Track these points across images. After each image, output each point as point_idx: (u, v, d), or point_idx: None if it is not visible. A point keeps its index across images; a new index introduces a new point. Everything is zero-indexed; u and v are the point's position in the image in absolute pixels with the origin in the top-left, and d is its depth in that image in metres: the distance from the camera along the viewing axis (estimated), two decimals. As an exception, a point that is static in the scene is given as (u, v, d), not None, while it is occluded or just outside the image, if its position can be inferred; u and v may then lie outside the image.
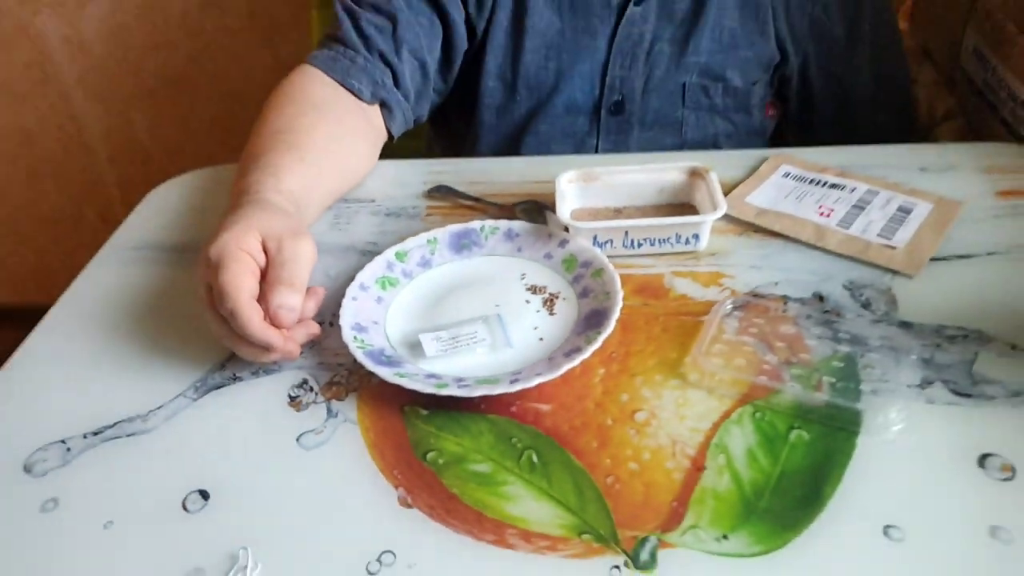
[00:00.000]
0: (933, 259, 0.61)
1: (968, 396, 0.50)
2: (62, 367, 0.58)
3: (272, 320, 0.51)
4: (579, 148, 0.82)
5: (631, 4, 0.75)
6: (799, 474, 0.46)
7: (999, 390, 0.50)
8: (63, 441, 0.52)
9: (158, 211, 0.76)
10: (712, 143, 0.82)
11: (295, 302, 0.52)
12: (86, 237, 1.78)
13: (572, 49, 0.77)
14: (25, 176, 1.69)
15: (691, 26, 0.77)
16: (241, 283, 0.51)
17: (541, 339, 0.56)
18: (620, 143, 0.81)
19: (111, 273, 0.67)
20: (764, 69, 0.81)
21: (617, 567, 0.42)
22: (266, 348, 0.52)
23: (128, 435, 0.53)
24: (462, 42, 0.78)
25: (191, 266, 0.65)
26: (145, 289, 0.65)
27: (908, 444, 0.47)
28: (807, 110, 0.87)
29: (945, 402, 0.49)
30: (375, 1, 0.73)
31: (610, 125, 0.81)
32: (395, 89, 0.75)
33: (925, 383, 0.50)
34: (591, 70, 0.78)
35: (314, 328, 0.55)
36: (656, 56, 0.77)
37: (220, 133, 1.63)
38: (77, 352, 0.59)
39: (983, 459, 0.46)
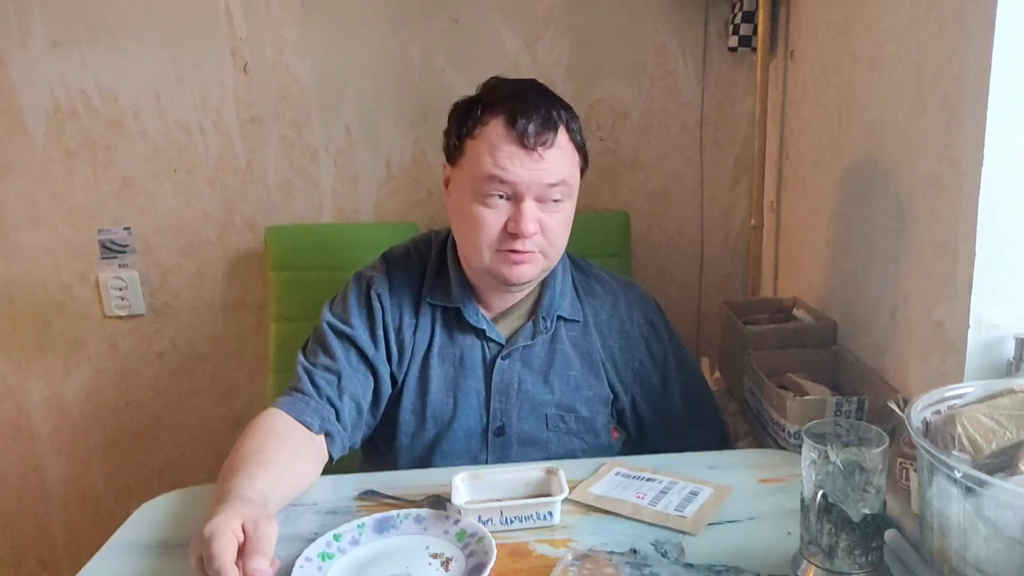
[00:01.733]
0: (711, 524, 0.88)
1: (726, 605, 0.74)
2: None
3: (247, 580, 0.73)
4: (474, 462, 1.09)
5: (499, 359, 1.09)
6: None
7: (747, 601, 0.75)
8: None
9: (145, 521, 0.97)
10: (571, 457, 1.11)
11: (265, 566, 0.74)
12: (21, 584, 1.86)
13: (463, 390, 1.09)
14: (-27, 525, 1.82)
15: (546, 373, 1.11)
16: (226, 550, 0.73)
17: (439, 587, 0.78)
18: (504, 457, 1.10)
19: (112, 564, 0.87)
20: (603, 404, 1.14)
21: None
22: (239, 600, 0.72)
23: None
24: (386, 388, 1.09)
25: (171, 557, 0.87)
26: (138, 574, 0.85)
27: (683, 635, 0.70)
28: (641, 432, 1.18)
29: (710, 609, 0.73)
30: (326, 362, 1.05)
31: (495, 444, 1.10)
32: (337, 423, 1.03)
33: (698, 598, 0.75)
34: (478, 404, 1.10)
35: (273, 588, 0.77)
36: (524, 394, 1.10)
37: (169, 478, 1.83)
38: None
39: (731, 641, 0.69)
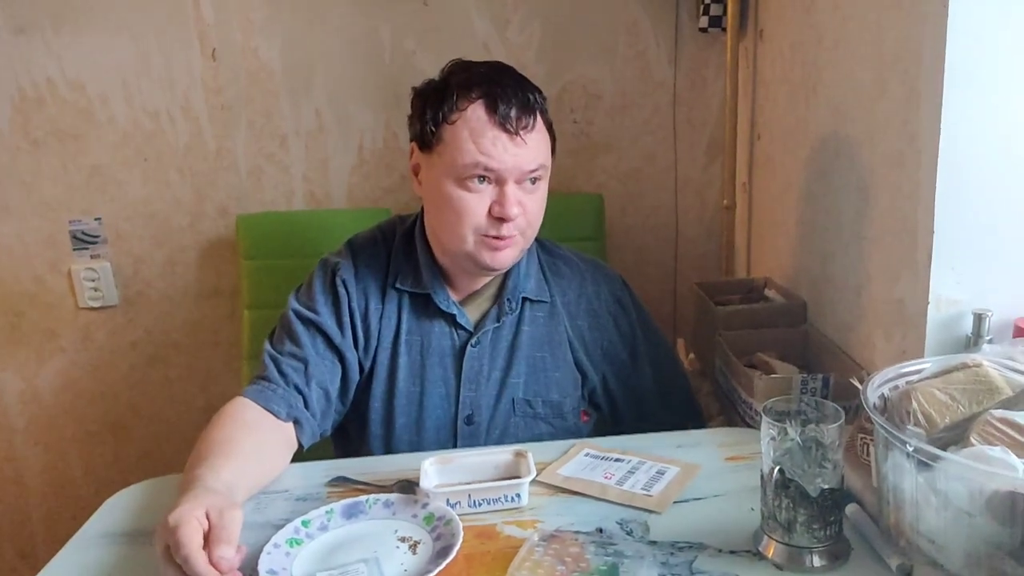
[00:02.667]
0: (676, 501, 0.89)
1: (688, 581, 0.75)
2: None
3: (214, 567, 0.73)
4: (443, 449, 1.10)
5: (469, 346, 1.10)
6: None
7: (708, 576, 0.76)
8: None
9: (116, 510, 0.97)
10: (538, 441, 1.11)
11: (231, 553, 0.74)
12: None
13: (432, 378, 1.09)
14: (-50, 520, 1.81)
15: (511, 357, 1.11)
16: (192, 537, 0.73)
17: (405, 570, 0.79)
18: (473, 445, 1.10)
19: (82, 554, 0.87)
20: (573, 386, 1.15)
21: None
22: (206, 586, 0.73)
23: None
24: (355, 375, 1.09)
25: (139, 545, 0.87)
26: (108, 563, 0.85)
27: (644, 611, 0.71)
28: (614, 412, 1.19)
29: (672, 586, 0.75)
30: (292, 350, 1.05)
31: (465, 432, 1.10)
32: (305, 411, 1.03)
33: (660, 576, 0.76)
34: (447, 393, 1.10)
35: (238, 575, 0.77)
36: (492, 381, 1.10)
37: (147, 467, 1.83)
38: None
39: (692, 617, 0.70)
